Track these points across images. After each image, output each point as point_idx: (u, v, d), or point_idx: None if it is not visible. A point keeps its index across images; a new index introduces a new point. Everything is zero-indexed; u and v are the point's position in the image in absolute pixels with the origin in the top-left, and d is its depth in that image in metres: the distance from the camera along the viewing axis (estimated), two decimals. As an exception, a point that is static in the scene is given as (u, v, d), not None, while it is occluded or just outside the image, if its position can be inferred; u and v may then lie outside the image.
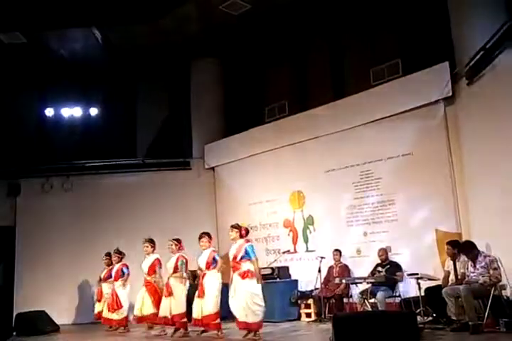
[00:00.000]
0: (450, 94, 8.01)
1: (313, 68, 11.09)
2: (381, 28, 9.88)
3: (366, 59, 10.09)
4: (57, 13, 9.96)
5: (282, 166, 10.40)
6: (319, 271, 8.57)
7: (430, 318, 7.05)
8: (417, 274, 7.11)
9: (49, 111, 11.82)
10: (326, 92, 10.51)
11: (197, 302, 7.26)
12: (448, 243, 7.21)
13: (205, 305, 7.16)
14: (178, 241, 8.01)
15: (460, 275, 6.84)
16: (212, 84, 12.29)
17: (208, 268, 7.39)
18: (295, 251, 10.07)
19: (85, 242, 11.05)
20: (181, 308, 7.66)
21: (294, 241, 10.15)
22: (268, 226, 10.65)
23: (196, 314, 7.22)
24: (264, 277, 9.13)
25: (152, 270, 8.36)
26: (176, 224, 10.51)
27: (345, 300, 8.53)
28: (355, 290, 8.33)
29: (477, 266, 6.52)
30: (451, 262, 7.07)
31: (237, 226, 7.17)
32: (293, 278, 9.44)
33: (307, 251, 9.89)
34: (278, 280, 9.15)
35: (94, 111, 11.95)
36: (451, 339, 6.18)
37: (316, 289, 8.68)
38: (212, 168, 11.94)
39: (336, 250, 9.00)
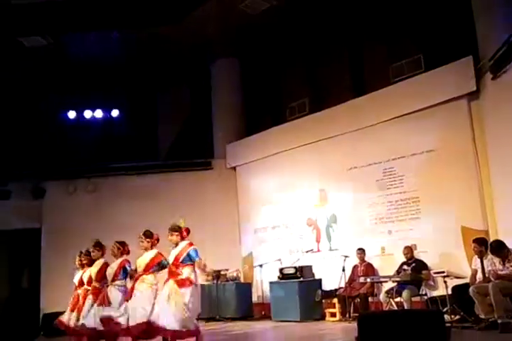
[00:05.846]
0: (474, 88, 7.88)
1: (332, 66, 10.98)
2: (401, 23, 9.71)
3: (387, 55, 9.97)
4: (78, 16, 10.07)
5: (304, 165, 10.34)
6: (343, 270, 8.49)
7: (458, 317, 6.93)
8: (444, 272, 7.00)
9: (71, 114, 11.94)
10: (347, 90, 10.43)
11: None
12: (474, 241, 7.06)
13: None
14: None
15: (487, 273, 6.71)
16: (232, 84, 12.29)
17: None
18: (318, 250, 10.00)
19: (109, 243, 11.09)
20: None
21: (317, 240, 10.08)
22: (291, 226, 10.59)
23: None
24: (288, 276, 9.16)
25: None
26: (198, 224, 10.47)
27: (370, 299, 8.43)
28: (381, 289, 8.25)
29: (506, 265, 6.40)
30: (479, 260, 6.91)
31: (177, 229, 6.38)
32: (316, 277, 9.35)
33: (331, 249, 9.82)
34: (301, 279, 9.08)
35: (115, 113, 12.04)
36: (479, 338, 6.08)
37: (341, 288, 8.60)
38: (234, 168, 11.93)
39: (360, 249, 8.91)
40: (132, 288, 6.35)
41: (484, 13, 7.74)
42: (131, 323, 6.07)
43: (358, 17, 10.47)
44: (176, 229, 6.36)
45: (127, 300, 6.32)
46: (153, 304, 6.09)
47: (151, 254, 6.49)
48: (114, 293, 6.63)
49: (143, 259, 6.48)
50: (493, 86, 7.50)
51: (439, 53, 8.88)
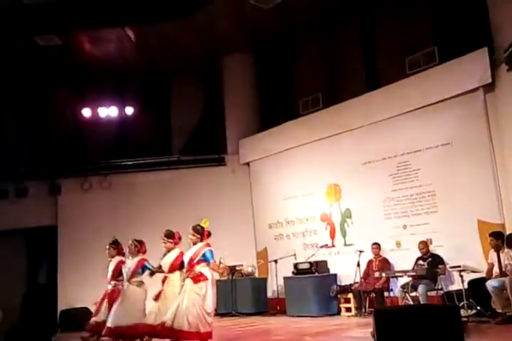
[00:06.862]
0: (490, 80, 7.79)
1: (346, 59, 10.93)
2: (415, 15, 9.64)
3: (401, 47, 9.88)
4: (90, 13, 10.09)
5: (318, 160, 10.31)
6: (358, 264, 8.48)
7: (474, 311, 6.88)
8: (460, 266, 6.94)
9: (86, 111, 12.03)
10: (360, 83, 10.36)
11: None
12: (491, 234, 7.01)
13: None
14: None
15: (504, 267, 6.64)
16: (245, 79, 12.28)
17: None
18: (333, 245, 9.98)
19: (124, 239, 11.16)
20: None
21: (332, 235, 10.05)
22: (305, 221, 10.57)
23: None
24: (303, 271, 9.15)
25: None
26: (212, 220, 10.46)
27: (385, 294, 8.39)
28: (396, 284, 8.20)
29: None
30: (495, 254, 6.86)
31: (200, 231, 6.19)
32: (332, 272, 9.34)
33: (345, 244, 9.78)
34: (316, 274, 9.08)
35: (129, 110, 12.11)
36: (496, 333, 6.03)
37: (356, 283, 8.57)
38: (247, 164, 11.92)
39: (375, 243, 8.88)
40: (161, 290, 6.34)
41: (499, 3, 7.63)
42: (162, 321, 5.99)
43: (372, 8, 10.39)
44: (199, 231, 6.19)
45: (156, 300, 6.31)
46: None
47: (174, 254, 6.49)
48: (132, 290, 6.62)
49: (167, 259, 6.49)
50: (509, 77, 7.40)
51: (453, 45, 8.78)
